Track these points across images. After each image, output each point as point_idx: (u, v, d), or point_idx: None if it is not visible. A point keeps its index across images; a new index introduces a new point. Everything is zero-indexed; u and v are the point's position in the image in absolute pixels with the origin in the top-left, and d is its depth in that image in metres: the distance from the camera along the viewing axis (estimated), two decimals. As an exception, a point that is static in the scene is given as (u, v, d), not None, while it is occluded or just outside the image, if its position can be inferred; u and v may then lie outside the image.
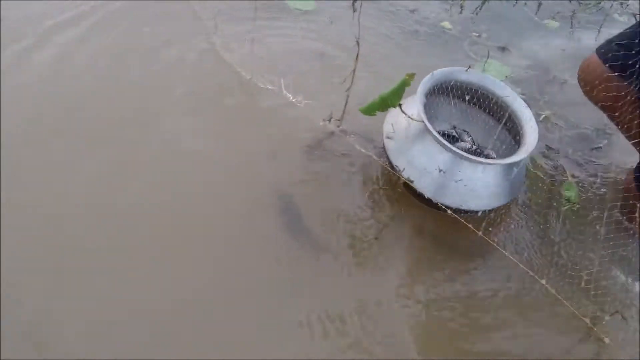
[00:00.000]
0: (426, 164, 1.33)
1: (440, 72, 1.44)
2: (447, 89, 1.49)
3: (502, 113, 1.48)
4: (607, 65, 1.32)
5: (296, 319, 1.18)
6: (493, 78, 1.49)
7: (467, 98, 1.54)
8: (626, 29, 1.38)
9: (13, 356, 1.05)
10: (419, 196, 1.37)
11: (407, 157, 1.36)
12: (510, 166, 1.34)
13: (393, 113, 1.43)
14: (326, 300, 1.23)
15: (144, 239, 1.26)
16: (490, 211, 1.42)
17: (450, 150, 1.29)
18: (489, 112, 1.54)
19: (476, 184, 1.32)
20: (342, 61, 1.83)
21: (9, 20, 1.69)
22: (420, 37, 2.11)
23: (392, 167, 1.40)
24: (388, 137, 1.42)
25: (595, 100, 1.41)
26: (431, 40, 2.10)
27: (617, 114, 1.36)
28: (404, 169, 1.35)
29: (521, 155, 1.32)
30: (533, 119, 1.40)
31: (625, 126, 1.39)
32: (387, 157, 1.42)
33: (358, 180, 1.51)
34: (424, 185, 1.33)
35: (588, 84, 1.38)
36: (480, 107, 1.53)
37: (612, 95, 1.32)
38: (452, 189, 1.32)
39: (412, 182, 1.34)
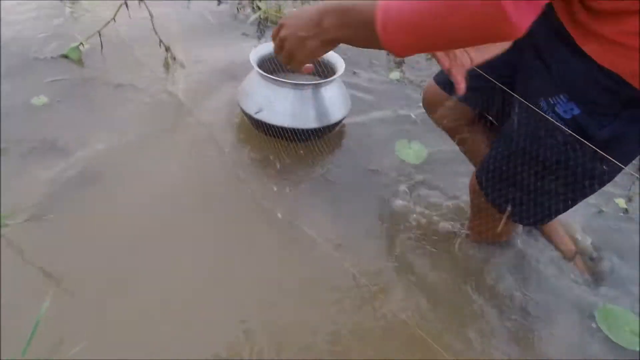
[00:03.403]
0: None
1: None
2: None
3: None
4: (445, 89, 1.29)
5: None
6: None
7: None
8: None
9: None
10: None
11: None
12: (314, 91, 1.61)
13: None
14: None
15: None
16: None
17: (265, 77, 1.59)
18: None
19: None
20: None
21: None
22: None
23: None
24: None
25: (441, 125, 1.40)
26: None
27: (457, 136, 1.36)
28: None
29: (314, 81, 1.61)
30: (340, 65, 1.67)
31: (467, 148, 1.40)
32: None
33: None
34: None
35: (431, 110, 1.38)
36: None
37: (453, 118, 1.32)
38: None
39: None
